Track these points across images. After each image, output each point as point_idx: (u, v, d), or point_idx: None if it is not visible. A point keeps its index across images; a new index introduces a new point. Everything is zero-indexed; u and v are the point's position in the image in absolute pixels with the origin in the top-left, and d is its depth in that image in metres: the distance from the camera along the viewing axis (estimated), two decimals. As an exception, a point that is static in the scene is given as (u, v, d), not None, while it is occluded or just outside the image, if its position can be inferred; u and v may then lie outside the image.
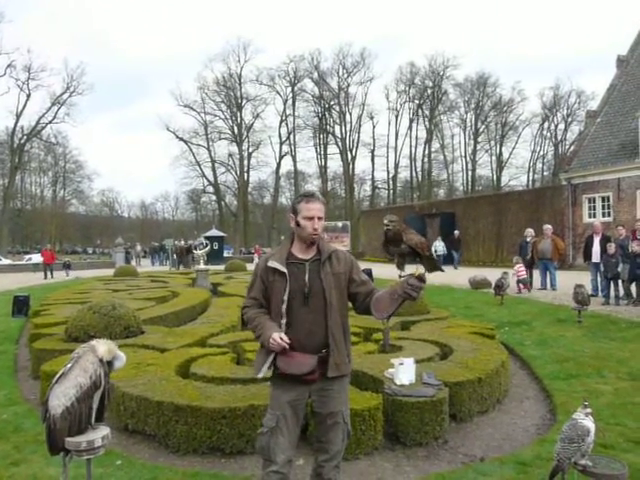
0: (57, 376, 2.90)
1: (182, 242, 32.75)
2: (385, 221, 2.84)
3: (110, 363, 2.99)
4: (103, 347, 2.97)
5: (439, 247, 25.49)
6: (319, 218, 2.85)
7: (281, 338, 2.68)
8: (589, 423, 3.07)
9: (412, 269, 2.78)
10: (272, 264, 2.85)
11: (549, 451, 3.67)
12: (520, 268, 13.97)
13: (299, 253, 2.90)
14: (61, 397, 2.80)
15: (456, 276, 17.39)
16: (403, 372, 4.67)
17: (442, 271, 3.01)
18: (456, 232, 26.04)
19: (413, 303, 8.32)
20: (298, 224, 2.86)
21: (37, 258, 40.04)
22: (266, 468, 2.79)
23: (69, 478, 2.93)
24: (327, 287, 2.83)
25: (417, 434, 4.33)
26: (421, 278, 2.68)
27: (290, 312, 2.81)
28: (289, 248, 2.92)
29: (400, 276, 2.79)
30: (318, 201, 2.87)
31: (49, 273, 24.76)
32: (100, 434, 2.87)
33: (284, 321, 2.80)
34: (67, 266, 27.48)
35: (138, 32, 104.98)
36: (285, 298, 2.80)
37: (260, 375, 2.83)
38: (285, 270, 2.82)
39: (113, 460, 3.99)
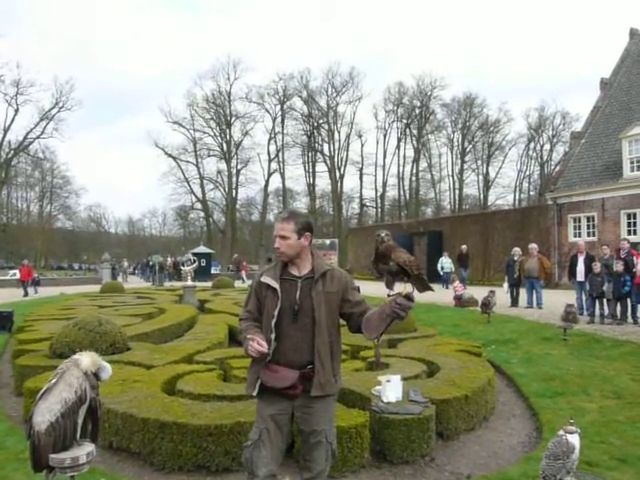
0: (41, 392, 2.87)
1: (160, 258, 33.19)
2: (382, 234, 2.84)
3: (96, 375, 2.97)
4: (87, 359, 2.95)
5: (446, 264, 23.10)
6: (281, 237, 2.84)
7: (258, 342, 2.68)
8: (574, 439, 3.09)
9: (401, 288, 2.77)
10: (265, 279, 2.88)
11: (535, 469, 3.68)
12: (457, 285, 15.82)
13: (293, 270, 2.90)
14: (45, 413, 2.77)
15: (443, 295, 17.44)
16: (390, 389, 4.67)
17: (432, 290, 3.00)
18: (463, 247, 23.16)
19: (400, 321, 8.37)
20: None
21: (22, 274, 39.68)
22: None
23: (52, 496, 2.88)
24: (317, 306, 2.82)
25: (404, 452, 4.33)
26: (409, 297, 2.68)
27: (279, 327, 2.82)
28: (284, 265, 2.92)
29: (389, 295, 2.79)
30: (280, 220, 2.87)
31: (30, 289, 23.52)
32: (85, 451, 2.84)
33: (273, 335, 2.80)
34: (35, 282, 24.97)
35: (127, 48, 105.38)
36: (275, 313, 2.81)
37: (254, 392, 2.85)
38: (277, 286, 2.83)
39: (97, 478, 3.93)
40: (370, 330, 2.79)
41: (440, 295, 17.79)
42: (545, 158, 62.30)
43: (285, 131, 62.78)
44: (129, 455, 4.42)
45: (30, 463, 2.91)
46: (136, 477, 4.10)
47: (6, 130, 53.69)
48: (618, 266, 11.27)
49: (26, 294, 22.50)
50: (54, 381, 2.86)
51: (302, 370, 2.80)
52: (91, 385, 2.92)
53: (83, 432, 2.97)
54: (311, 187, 63.66)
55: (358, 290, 3.09)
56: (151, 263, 33.30)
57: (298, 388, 2.78)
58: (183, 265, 21.29)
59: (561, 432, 3.17)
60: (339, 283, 2.92)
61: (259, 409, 2.88)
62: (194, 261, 18.85)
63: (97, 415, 3.04)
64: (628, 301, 11.58)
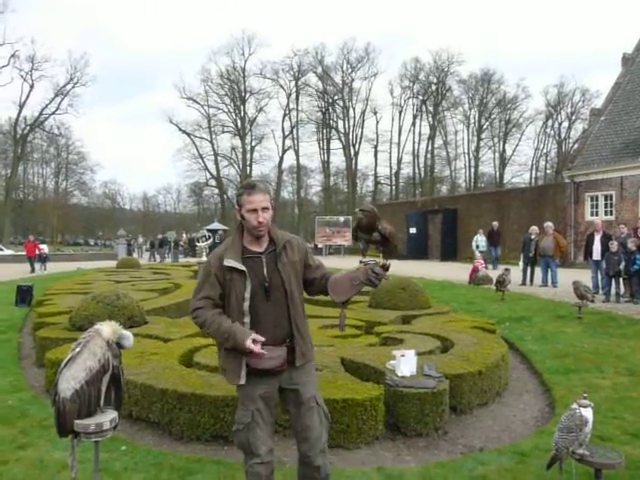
0: (66, 360, 2.95)
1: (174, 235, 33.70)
2: (367, 208, 2.95)
3: (119, 344, 3.04)
4: (108, 329, 3.01)
5: (481, 242, 21.14)
6: (264, 209, 2.74)
7: (255, 341, 2.61)
8: (587, 413, 3.12)
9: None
10: (229, 262, 2.72)
11: (547, 442, 3.72)
12: (479, 262, 15.97)
13: (252, 246, 2.81)
14: (70, 380, 2.85)
15: (458, 272, 17.45)
16: (404, 364, 4.72)
17: (393, 257, 3.03)
18: (495, 223, 21.65)
19: (414, 297, 8.43)
20: (243, 217, 2.78)
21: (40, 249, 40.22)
22: (250, 460, 2.77)
23: (76, 460, 2.98)
24: (286, 278, 2.78)
25: (417, 425, 4.39)
26: (385, 267, 2.76)
27: (252, 309, 2.75)
28: (242, 242, 2.82)
29: (361, 261, 2.85)
30: (261, 192, 2.75)
31: (38, 265, 22.41)
32: (108, 417, 2.93)
33: (247, 319, 2.73)
34: (43, 259, 22.90)
35: (142, 25, 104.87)
36: (247, 295, 2.73)
37: (242, 381, 2.75)
38: (244, 268, 2.72)
39: (118, 446, 4.05)
40: (339, 294, 2.82)
41: (455, 272, 17.85)
42: (563, 136, 61.36)
43: (300, 107, 62.38)
44: (148, 425, 4.54)
45: (56, 428, 2.99)
46: (155, 446, 4.21)
47: (21, 106, 53.93)
48: (629, 244, 11.22)
49: (32, 270, 21.99)
50: (78, 350, 2.93)
51: (285, 344, 2.78)
52: (113, 354, 2.99)
53: (107, 400, 3.06)
54: (325, 164, 63.41)
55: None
56: (160, 238, 33.46)
57: (285, 363, 2.77)
58: (198, 241, 21.42)
59: (574, 405, 3.20)
60: (299, 250, 2.88)
61: (245, 392, 2.79)
62: (209, 237, 18.91)
63: (120, 383, 3.12)
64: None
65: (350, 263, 11.51)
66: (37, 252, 23.29)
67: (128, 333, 3.15)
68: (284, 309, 2.78)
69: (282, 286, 2.77)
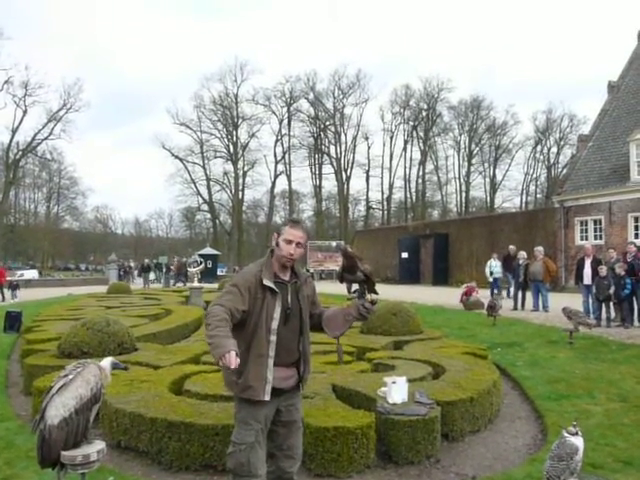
0: (58, 386, 2.91)
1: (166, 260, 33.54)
2: (349, 249, 3.32)
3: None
4: (107, 360, 3.02)
5: (495, 268, 18.50)
6: (298, 244, 3.00)
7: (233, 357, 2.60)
8: (578, 441, 3.11)
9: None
10: (267, 282, 2.93)
11: (539, 470, 3.70)
12: (471, 286, 15.91)
13: (280, 273, 3.04)
14: (60, 407, 2.82)
15: (449, 296, 17.46)
16: (396, 391, 4.70)
17: (377, 294, 3.35)
18: (512, 247, 18.41)
19: (406, 323, 8.43)
20: (277, 244, 3.01)
21: (29, 274, 39.94)
22: None
23: (63, 492, 2.93)
24: (304, 308, 3.07)
25: (409, 453, 4.35)
26: (373, 302, 3.13)
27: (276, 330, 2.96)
28: (273, 268, 3.03)
29: (348, 299, 3.16)
30: (302, 230, 3.04)
31: (9, 294, 20.85)
32: (95, 448, 2.89)
33: (274, 338, 2.92)
34: (14, 287, 21.34)
35: (136, 51, 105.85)
36: (276, 316, 2.93)
37: (267, 397, 2.86)
38: (278, 290, 2.95)
39: (106, 476, 3.98)
40: (333, 329, 3.13)
41: (446, 297, 17.85)
42: (552, 161, 62.22)
43: (292, 133, 62.93)
44: (137, 454, 4.47)
45: (37, 458, 2.93)
46: (144, 476, 4.14)
47: (14, 131, 54.05)
48: (617, 268, 11.31)
49: (2, 299, 20.62)
50: (71, 377, 2.91)
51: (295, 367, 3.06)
52: (104, 385, 2.97)
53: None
54: (317, 189, 63.70)
55: None
56: (144, 264, 33.11)
57: (297, 384, 3.07)
58: (189, 267, 21.34)
59: (564, 434, 3.20)
60: (310, 287, 3.20)
61: (251, 411, 2.90)
62: (200, 262, 18.88)
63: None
64: (635, 304, 11.58)
65: (343, 288, 11.36)
66: (7, 279, 21.86)
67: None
68: (297, 335, 3.04)
69: (299, 314, 3.04)
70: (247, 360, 2.87)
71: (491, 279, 18.18)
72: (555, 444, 3.23)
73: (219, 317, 2.71)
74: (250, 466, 2.82)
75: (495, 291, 17.83)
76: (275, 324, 2.92)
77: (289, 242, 2.97)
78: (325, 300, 10.02)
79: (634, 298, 11.50)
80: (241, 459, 2.83)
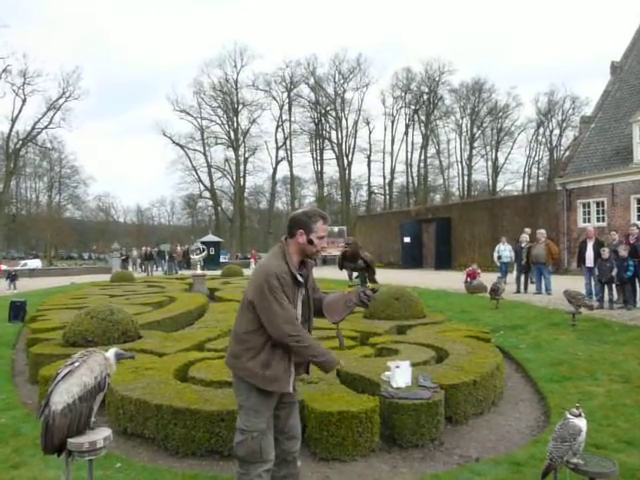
0: (63, 373, 2.93)
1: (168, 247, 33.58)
2: (350, 241, 3.32)
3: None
4: (111, 350, 3.05)
5: (504, 252, 17.38)
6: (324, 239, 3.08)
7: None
8: (581, 422, 3.13)
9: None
10: (299, 278, 2.96)
11: (543, 451, 3.72)
12: (472, 269, 16.07)
13: (296, 264, 3.05)
14: (64, 394, 2.84)
15: (452, 280, 17.48)
16: (399, 375, 4.72)
17: (376, 282, 3.46)
18: (526, 230, 16.75)
19: (408, 307, 8.45)
20: (310, 242, 2.96)
21: (33, 264, 40.04)
22: (258, 468, 2.87)
23: (70, 479, 2.96)
24: (310, 296, 3.12)
25: (413, 436, 4.39)
26: (374, 290, 3.20)
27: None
28: (293, 260, 3.02)
29: (350, 286, 3.12)
30: (328, 225, 3.10)
31: (7, 284, 20.30)
32: (102, 435, 2.91)
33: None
34: (12, 277, 20.72)
35: (135, 38, 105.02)
36: (299, 308, 3.00)
37: (291, 389, 3.02)
38: (302, 280, 2.99)
39: (112, 463, 4.03)
40: (333, 314, 3.14)
41: (449, 281, 17.88)
42: (554, 143, 61.94)
43: (292, 118, 62.75)
44: (143, 440, 4.51)
45: (41, 444, 2.94)
46: (150, 462, 4.19)
47: (14, 120, 53.89)
48: (621, 250, 11.29)
49: None
50: (77, 364, 2.93)
51: None
52: (109, 374, 2.99)
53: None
54: (319, 174, 63.61)
55: None
56: (146, 251, 33.12)
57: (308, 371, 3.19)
58: (192, 254, 21.39)
59: (567, 415, 3.22)
60: (311, 273, 3.18)
61: (263, 399, 2.93)
62: (203, 250, 18.90)
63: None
64: (637, 286, 11.58)
65: (344, 274, 11.56)
66: (4, 268, 21.57)
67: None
68: (306, 323, 3.08)
69: (308, 303, 3.09)
70: (275, 353, 2.90)
71: (499, 263, 17.52)
72: (558, 425, 3.25)
73: (306, 335, 2.94)
74: (262, 452, 2.87)
75: (501, 275, 16.82)
76: (299, 312, 2.97)
77: (321, 238, 2.99)
78: (327, 286, 10.05)
79: (637, 280, 11.50)
80: (253, 446, 2.86)
